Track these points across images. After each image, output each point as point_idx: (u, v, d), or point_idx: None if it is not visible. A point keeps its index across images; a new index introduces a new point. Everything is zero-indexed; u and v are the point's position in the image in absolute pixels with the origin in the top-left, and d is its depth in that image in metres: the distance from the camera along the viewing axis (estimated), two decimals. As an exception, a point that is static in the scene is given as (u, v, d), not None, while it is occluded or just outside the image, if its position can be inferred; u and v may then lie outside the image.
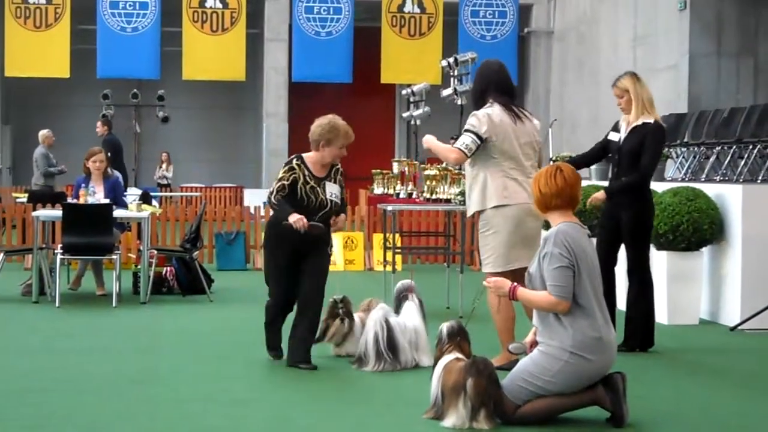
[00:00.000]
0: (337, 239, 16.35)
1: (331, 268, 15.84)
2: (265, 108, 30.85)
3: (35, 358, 8.62)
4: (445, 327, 6.58)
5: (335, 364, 8.50)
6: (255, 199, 26.54)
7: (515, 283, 6.58)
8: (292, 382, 7.80)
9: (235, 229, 16.45)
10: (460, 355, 6.41)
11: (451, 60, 19.00)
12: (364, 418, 6.62)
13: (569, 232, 6.40)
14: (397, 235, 11.86)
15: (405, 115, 21.38)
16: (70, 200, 12.78)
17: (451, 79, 18.89)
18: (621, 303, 9.36)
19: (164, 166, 31.26)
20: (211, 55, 29.33)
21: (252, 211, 17.17)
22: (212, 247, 16.23)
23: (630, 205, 9.10)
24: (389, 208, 11.89)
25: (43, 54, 28.64)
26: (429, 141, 8.92)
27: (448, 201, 13.91)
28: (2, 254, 12.55)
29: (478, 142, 8.33)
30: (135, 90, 31.36)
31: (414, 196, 17.71)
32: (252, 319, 10.86)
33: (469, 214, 8.73)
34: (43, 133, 18.69)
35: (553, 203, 6.50)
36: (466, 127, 8.50)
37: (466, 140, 8.37)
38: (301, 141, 31.62)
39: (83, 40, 29.68)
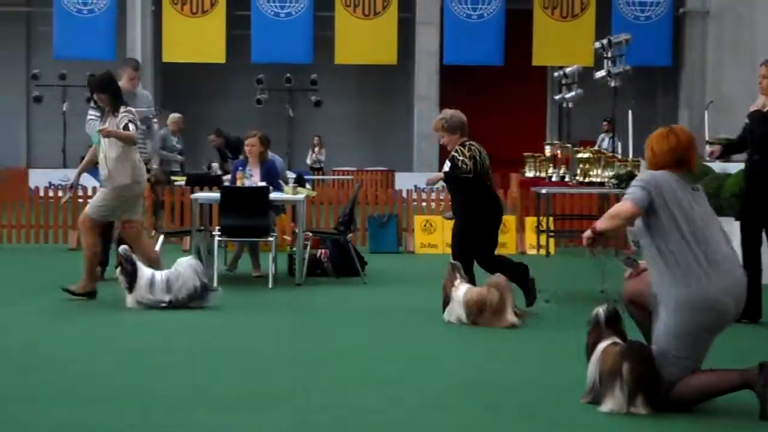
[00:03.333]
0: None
1: (435, 251, 15.78)
2: (416, 91, 30.94)
3: (197, 336, 8.82)
4: (601, 311, 6.51)
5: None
6: (406, 182, 26.64)
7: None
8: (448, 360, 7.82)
9: (387, 213, 16.56)
10: (617, 339, 6.35)
11: (605, 41, 18.71)
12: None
13: (658, 173, 6.50)
14: (550, 219, 11.77)
15: (557, 97, 21.16)
16: (227, 183, 13.02)
17: (605, 60, 18.62)
18: None
19: (317, 149, 31.61)
20: (363, 39, 29.54)
21: (404, 194, 17.25)
22: (365, 229, 16.37)
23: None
24: (543, 191, 11.81)
25: (199, 40, 29.22)
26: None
27: (601, 184, 13.74)
28: (162, 236, 12.87)
29: None
30: (288, 75, 31.83)
31: (566, 179, 17.55)
32: (405, 300, 10.95)
33: None
34: (171, 116, 18.84)
35: (664, 163, 6.54)
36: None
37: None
38: (453, 124, 30.89)
39: (238, 25, 30.18)
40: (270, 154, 13.46)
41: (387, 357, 8.05)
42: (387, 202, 17.27)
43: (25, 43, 35.46)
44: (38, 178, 26.48)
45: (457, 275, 9.59)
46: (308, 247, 12.67)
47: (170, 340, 8.67)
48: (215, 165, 20.23)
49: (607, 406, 6.17)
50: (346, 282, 12.45)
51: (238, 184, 12.44)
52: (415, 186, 23.03)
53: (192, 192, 15.00)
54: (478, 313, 9.30)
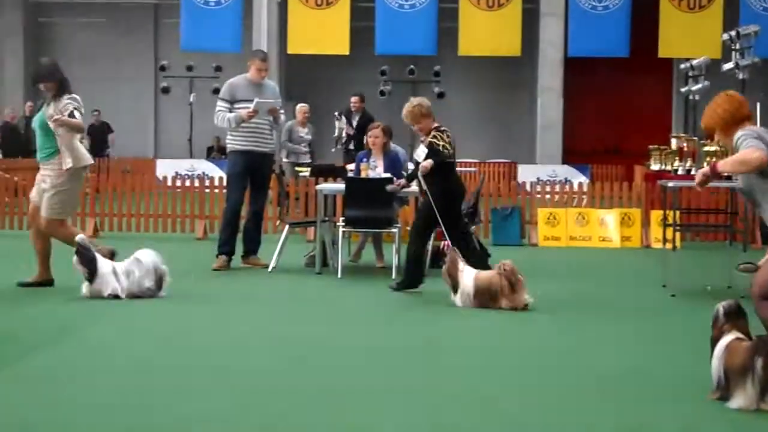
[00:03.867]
0: (612, 216, 16.19)
1: (607, 244, 15.68)
2: (539, 83, 30.74)
3: (322, 327, 8.92)
4: (721, 307, 6.43)
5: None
6: (529, 174, 26.51)
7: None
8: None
9: (510, 205, 16.51)
10: (740, 335, 6.26)
11: (733, 33, 18.42)
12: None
13: (753, 128, 6.93)
14: (677, 213, 11.61)
15: (683, 90, 20.86)
16: (351, 174, 13.11)
17: (733, 53, 18.32)
18: None
19: (439, 141, 31.58)
20: (486, 31, 29.45)
21: (528, 187, 17.17)
22: (488, 222, 16.34)
23: None
24: (670, 184, 11.65)
25: (323, 31, 29.42)
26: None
27: (729, 178, 13.51)
28: (287, 226, 13.03)
29: None
30: (411, 66, 31.84)
31: (693, 172, 17.28)
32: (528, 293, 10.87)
33: None
34: (298, 107, 18.89)
35: (741, 116, 7.00)
36: None
37: None
38: (577, 116, 31.46)
39: (362, 17, 30.32)
40: (392, 146, 13.51)
41: (507, 348, 8.05)
42: (510, 194, 17.22)
43: (153, 35, 36.18)
44: (165, 168, 26.98)
45: (460, 260, 10.12)
46: (432, 239, 12.68)
47: (303, 331, 8.78)
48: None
49: (737, 402, 6.07)
50: (469, 274, 12.44)
51: (363, 175, 12.51)
52: (538, 178, 22.96)
53: (317, 183, 15.14)
54: (489, 298, 9.79)
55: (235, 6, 29.39)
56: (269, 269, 12.30)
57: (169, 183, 17.77)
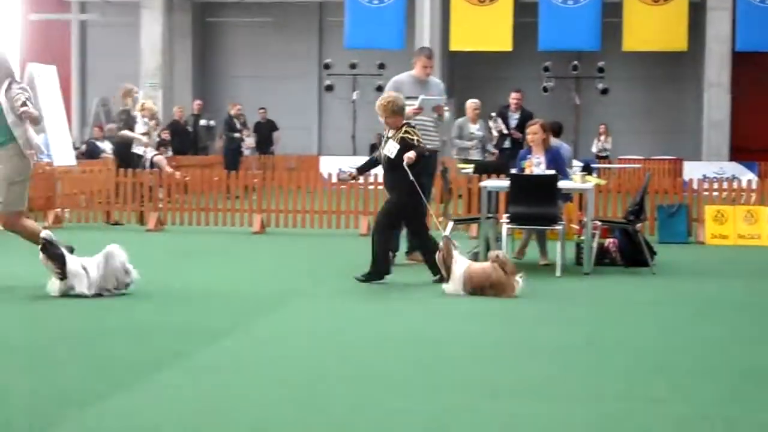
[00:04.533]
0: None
1: (726, 242, 15.22)
2: (706, 78, 30.14)
3: (485, 324, 8.93)
4: None
5: None
6: (695, 171, 26.02)
7: None
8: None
9: (677, 202, 16.24)
10: None
11: None
12: None
13: None
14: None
15: None
16: (513, 171, 13.08)
17: None
18: None
19: (602, 138, 31.25)
20: (651, 26, 29.01)
21: (695, 185, 16.86)
22: (654, 219, 16.10)
23: None
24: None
25: (486, 28, 29.38)
26: None
27: None
28: (451, 223, 13.06)
29: None
30: (575, 62, 31.62)
31: None
32: (695, 292, 10.70)
33: None
34: (468, 103, 18.82)
35: None
36: None
37: None
38: (745, 112, 30.86)
39: (525, 13, 30.18)
40: (558, 142, 13.41)
41: (678, 348, 7.93)
42: (675, 191, 16.93)
43: (318, 34, 36.67)
44: (329, 165, 27.33)
45: (453, 249, 10.42)
46: (596, 236, 12.59)
47: (461, 327, 8.81)
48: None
49: None
50: (635, 272, 12.30)
51: (527, 171, 12.47)
52: (704, 175, 22.50)
53: (480, 180, 15.15)
54: (481, 288, 10.18)
55: (398, 4, 29.57)
56: (433, 265, 12.36)
57: (334, 180, 18.00)
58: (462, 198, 16.83)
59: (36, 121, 10.50)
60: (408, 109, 12.30)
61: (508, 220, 12.13)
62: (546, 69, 31.77)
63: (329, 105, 36.14)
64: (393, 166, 11.15)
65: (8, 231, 10.66)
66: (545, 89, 32.04)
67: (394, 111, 11.22)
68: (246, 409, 5.96)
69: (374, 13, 29.43)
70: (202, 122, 28.53)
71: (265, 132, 30.06)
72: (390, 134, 11.28)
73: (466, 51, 30.74)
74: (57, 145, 19.26)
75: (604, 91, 32.15)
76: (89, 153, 25.11)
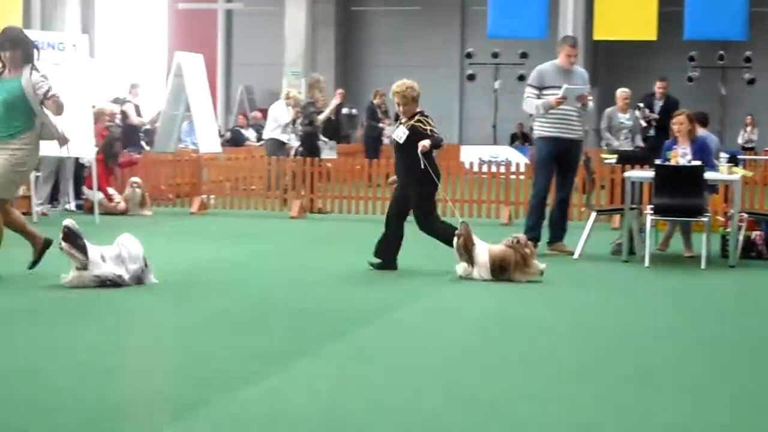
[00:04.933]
0: None
1: None
2: None
3: (624, 317, 8.87)
4: None
5: None
6: None
7: None
8: None
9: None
10: None
11: None
12: None
13: None
14: None
15: None
16: (658, 162, 12.91)
17: None
18: None
19: (749, 129, 30.59)
20: (802, 14, 28.24)
21: None
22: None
23: None
24: None
25: (631, 17, 28.93)
26: None
27: None
28: (594, 213, 12.96)
29: None
30: (721, 52, 30.98)
31: None
32: None
33: None
34: (618, 92, 18.49)
35: None
36: None
37: None
38: None
39: (670, 2, 29.65)
40: (704, 133, 13.19)
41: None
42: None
43: (460, 23, 36.64)
44: (470, 154, 27.31)
45: (473, 234, 10.55)
46: (742, 229, 12.36)
47: (608, 321, 8.76)
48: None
49: None
50: (783, 266, 12.06)
51: (672, 162, 12.29)
52: None
53: (622, 170, 14.99)
54: (503, 270, 10.33)
55: (541, -8, 29.34)
56: (575, 256, 12.30)
57: (475, 169, 17.98)
58: (605, 188, 16.67)
59: (60, 111, 9.99)
60: (551, 98, 12.25)
61: (652, 212, 11.98)
62: (691, 59, 31.22)
63: (470, 94, 36.09)
64: (401, 151, 11.15)
65: None
66: (690, 79, 31.48)
67: (413, 98, 11.24)
68: (392, 396, 6.02)
69: (518, 2, 29.22)
70: (344, 111, 28.77)
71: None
72: (403, 120, 11.29)
73: (610, 40, 30.34)
74: (203, 132, 19.64)
75: (751, 82, 31.45)
76: (234, 140, 25.56)
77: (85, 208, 16.78)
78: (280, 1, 31.70)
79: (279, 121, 18.86)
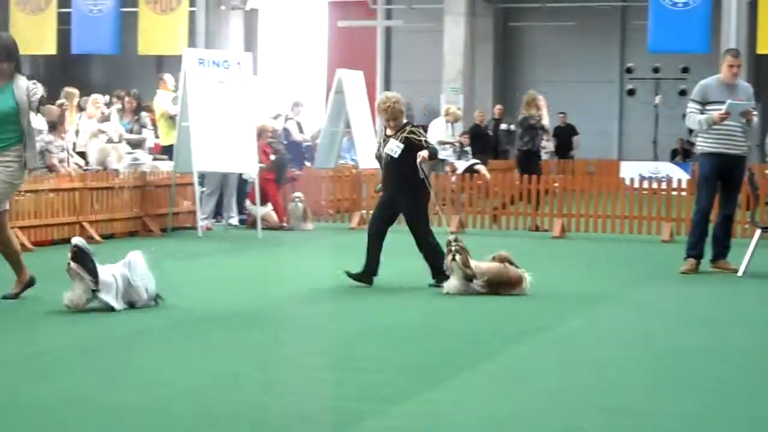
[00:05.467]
0: None
1: None
2: None
3: None
4: None
5: None
6: None
7: None
8: None
9: None
10: None
11: None
12: None
13: None
14: None
15: None
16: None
17: None
18: None
19: None
20: None
21: None
22: None
23: None
24: None
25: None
26: None
27: None
28: (758, 230, 12.68)
29: None
30: None
31: None
32: None
33: None
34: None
35: None
36: None
37: None
38: None
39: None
40: None
41: None
42: None
43: (619, 38, 36.26)
44: (629, 170, 26.97)
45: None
46: None
47: (760, 339, 8.60)
48: None
49: None
50: None
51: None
52: None
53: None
54: (496, 286, 10.32)
55: (704, 6, 28.84)
56: (739, 274, 12.05)
57: (636, 185, 17.76)
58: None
59: (55, 117, 10.14)
60: (715, 114, 12.03)
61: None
62: None
63: (630, 109, 35.62)
64: (396, 165, 10.91)
65: None
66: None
67: (401, 111, 11.06)
68: (547, 415, 6.02)
69: (679, 16, 28.81)
70: (503, 126, 28.75)
71: (565, 136, 29.96)
72: (390, 134, 11.05)
73: (775, 53, 29.64)
74: (362, 148, 19.87)
75: None
76: (392, 156, 25.74)
77: (248, 222, 17.17)
78: (438, 18, 31.86)
79: (437, 138, 18.99)
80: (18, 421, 5.68)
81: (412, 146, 10.86)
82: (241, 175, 17.11)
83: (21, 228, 13.57)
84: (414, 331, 8.55)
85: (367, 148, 19.93)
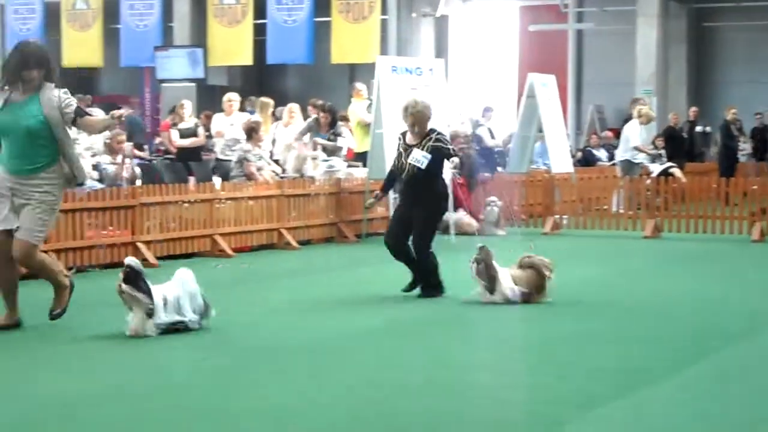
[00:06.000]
0: None
1: None
2: None
3: None
4: None
5: None
6: None
7: None
8: None
9: None
10: None
11: None
12: None
13: None
14: None
15: None
16: None
17: None
18: None
19: None
20: None
21: None
22: None
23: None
24: None
25: None
26: None
27: None
28: None
29: None
30: None
31: None
32: None
33: None
34: None
35: None
36: None
37: None
38: None
39: None
40: None
41: None
42: None
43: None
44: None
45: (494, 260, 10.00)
46: None
47: None
48: None
49: None
50: None
51: None
52: None
53: None
54: (530, 292, 9.95)
55: None
56: None
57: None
58: None
59: (98, 127, 9.22)
60: None
61: None
62: None
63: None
64: (422, 175, 10.33)
65: (23, 266, 8.84)
66: None
67: (429, 118, 10.53)
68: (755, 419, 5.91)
69: None
70: (698, 128, 28.17)
71: (762, 138, 29.17)
72: (413, 142, 10.46)
73: None
74: (555, 152, 19.76)
75: None
76: (585, 160, 25.53)
77: (441, 228, 17.26)
78: (631, 20, 31.46)
79: (631, 142, 18.78)
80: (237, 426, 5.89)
81: (441, 155, 10.43)
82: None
83: (222, 235, 14.02)
84: (604, 337, 8.48)
85: (560, 153, 19.83)
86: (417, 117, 10.44)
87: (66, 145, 8.60)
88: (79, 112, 8.63)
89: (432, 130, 10.54)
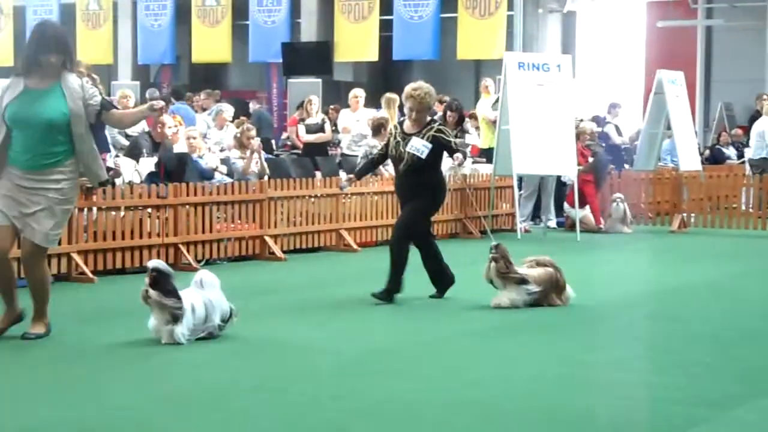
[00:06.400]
0: None
1: None
2: None
3: None
4: None
5: None
6: None
7: None
8: None
9: None
10: None
11: None
12: None
13: None
14: None
15: None
16: None
17: None
18: None
19: None
20: None
21: None
22: None
23: None
24: None
25: None
26: None
27: None
28: None
29: None
30: None
31: None
32: None
33: None
34: None
35: None
36: None
37: None
38: None
39: None
40: None
41: None
42: None
43: None
44: None
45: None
46: None
47: None
48: None
49: None
50: None
51: None
52: None
53: None
54: (548, 294, 9.48)
55: None
56: None
57: None
58: None
59: (126, 121, 8.64)
60: None
61: None
62: None
63: None
64: (420, 166, 9.75)
65: (27, 272, 7.99)
66: None
67: (428, 107, 9.97)
68: None
69: None
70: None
71: None
72: (412, 131, 9.83)
73: None
74: (684, 149, 19.45)
75: None
76: (713, 158, 25.12)
77: (566, 225, 17.18)
78: (762, 16, 30.88)
79: (766, 141, 18.50)
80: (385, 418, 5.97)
81: (440, 146, 9.87)
82: (559, 177, 17.12)
83: (348, 230, 14.14)
84: (740, 337, 8.35)
85: (689, 150, 19.53)
86: (418, 101, 9.82)
87: (83, 141, 7.79)
88: (106, 105, 7.98)
89: (433, 120, 10.17)
